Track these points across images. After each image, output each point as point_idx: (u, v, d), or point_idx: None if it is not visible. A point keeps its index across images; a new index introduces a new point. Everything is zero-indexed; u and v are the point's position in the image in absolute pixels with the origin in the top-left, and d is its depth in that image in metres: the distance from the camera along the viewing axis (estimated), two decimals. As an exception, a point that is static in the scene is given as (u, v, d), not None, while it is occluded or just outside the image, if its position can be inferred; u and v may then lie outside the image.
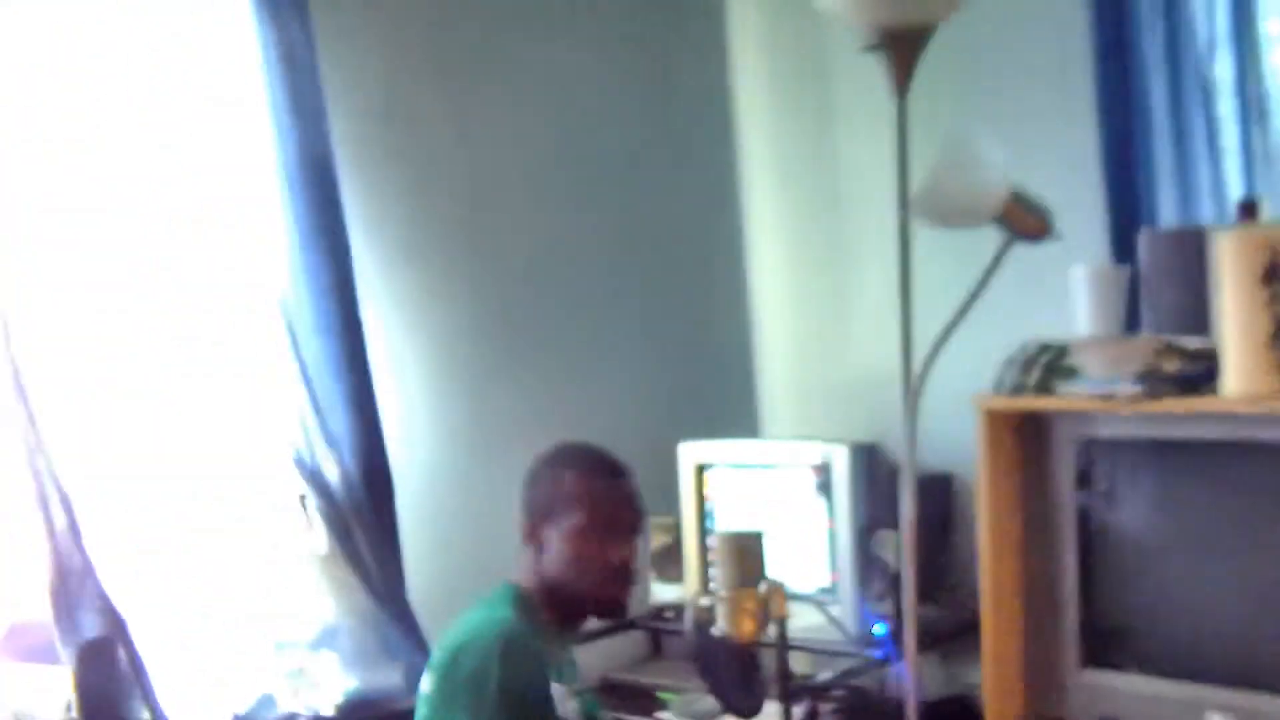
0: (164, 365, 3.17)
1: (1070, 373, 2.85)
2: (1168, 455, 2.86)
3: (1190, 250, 2.80)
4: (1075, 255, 3.03)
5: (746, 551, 2.61)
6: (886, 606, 3.46)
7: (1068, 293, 3.00)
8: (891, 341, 3.03)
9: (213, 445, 3.25)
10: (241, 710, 3.15)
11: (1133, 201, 3.27)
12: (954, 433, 3.26)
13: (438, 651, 2.73)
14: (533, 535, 2.79)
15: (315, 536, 3.32)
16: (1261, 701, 2.71)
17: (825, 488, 3.53)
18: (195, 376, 3.21)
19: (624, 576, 2.81)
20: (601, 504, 2.78)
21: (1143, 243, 2.96)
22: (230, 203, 3.21)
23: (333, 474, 3.31)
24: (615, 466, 2.84)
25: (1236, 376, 2.55)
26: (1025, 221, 2.66)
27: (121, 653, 2.92)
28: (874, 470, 3.53)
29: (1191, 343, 2.71)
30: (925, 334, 2.95)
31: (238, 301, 3.25)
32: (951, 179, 2.60)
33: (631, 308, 4.06)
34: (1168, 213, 3.24)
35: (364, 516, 3.34)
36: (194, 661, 3.17)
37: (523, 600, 2.76)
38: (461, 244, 3.71)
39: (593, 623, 2.95)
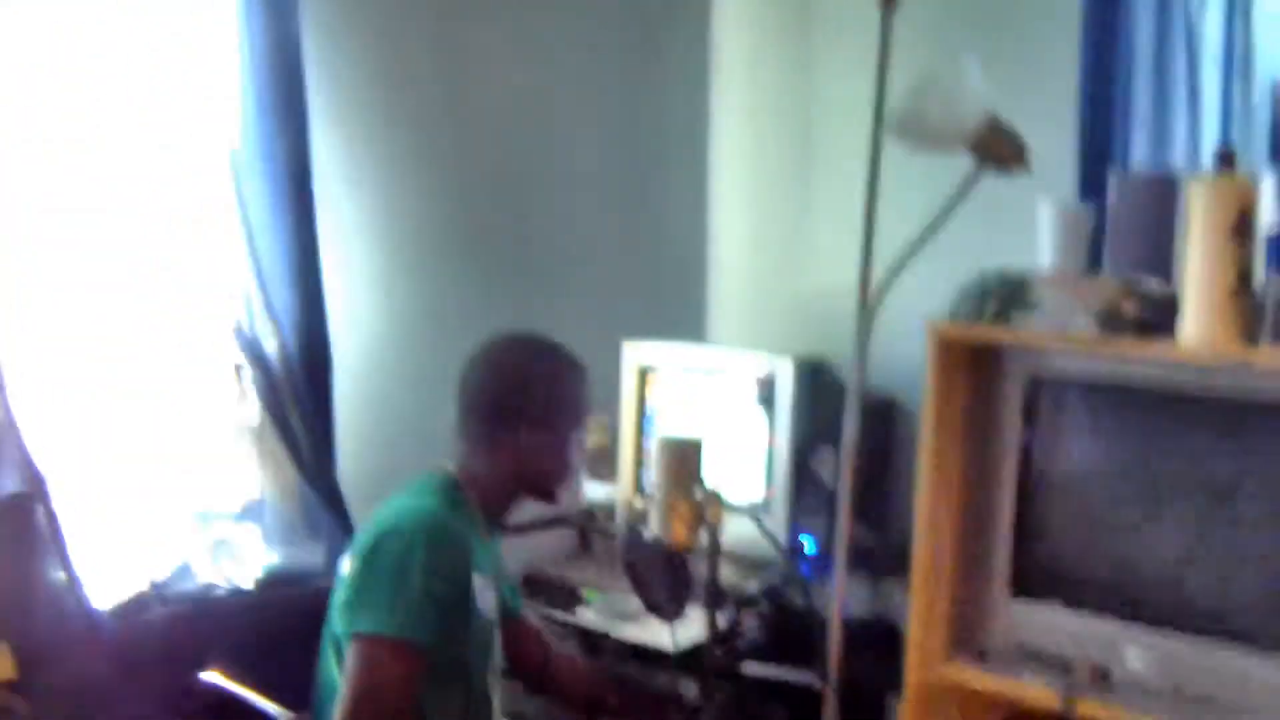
0: (103, 223, 3.10)
1: (1028, 306, 2.82)
2: (1117, 398, 2.83)
3: (1160, 196, 2.78)
4: (1041, 190, 3.00)
5: (685, 458, 2.60)
6: (819, 524, 3.45)
7: (1031, 228, 2.97)
8: (848, 259, 3.00)
9: (149, 308, 3.18)
10: (159, 578, 3.10)
11: (1105, 143, 3.23)
12: (903, 357, 3.24)
13: (361, 536, 2.70)
14: (494, 427, 2.77)
15: (248, 408, 3.26)
16: (1181, 643, 2.73)
17: (768, 400, 3.50)
18: (135, 237, 3.13)
19: (575, 467, 2.86)
20: (579, 400, 2.82)
21: (1113, 184, 2.92)
22: (184, 55, 3.12)
23: (271, 346, 3.26)
24: (580, 361, 2.86)
25: (1195, 325, 2.52)
26: (999, 150, 2.62)
27: (40, 511, 2.86)
28: (818, 387, 3.50)
29: (1153, 287, 2.68)
30: (884, 256, 2.92)
31: (186, 163, 3.16)
32: (932, 99, 2.55)
33: (588, 203, 4.01)
34: (1139, 158, 3.21)
35: (299, 392, 3.30)
36: (114, 526, 3.12)
37: (453, 488, 2.75)
38: (421, 127, 3.64)
39: (521, 515, 2.94)
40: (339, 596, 2.67)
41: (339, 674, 2.58)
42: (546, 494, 2.86)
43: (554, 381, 2.80)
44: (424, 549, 2.59)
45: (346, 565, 2.69)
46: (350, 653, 2.55)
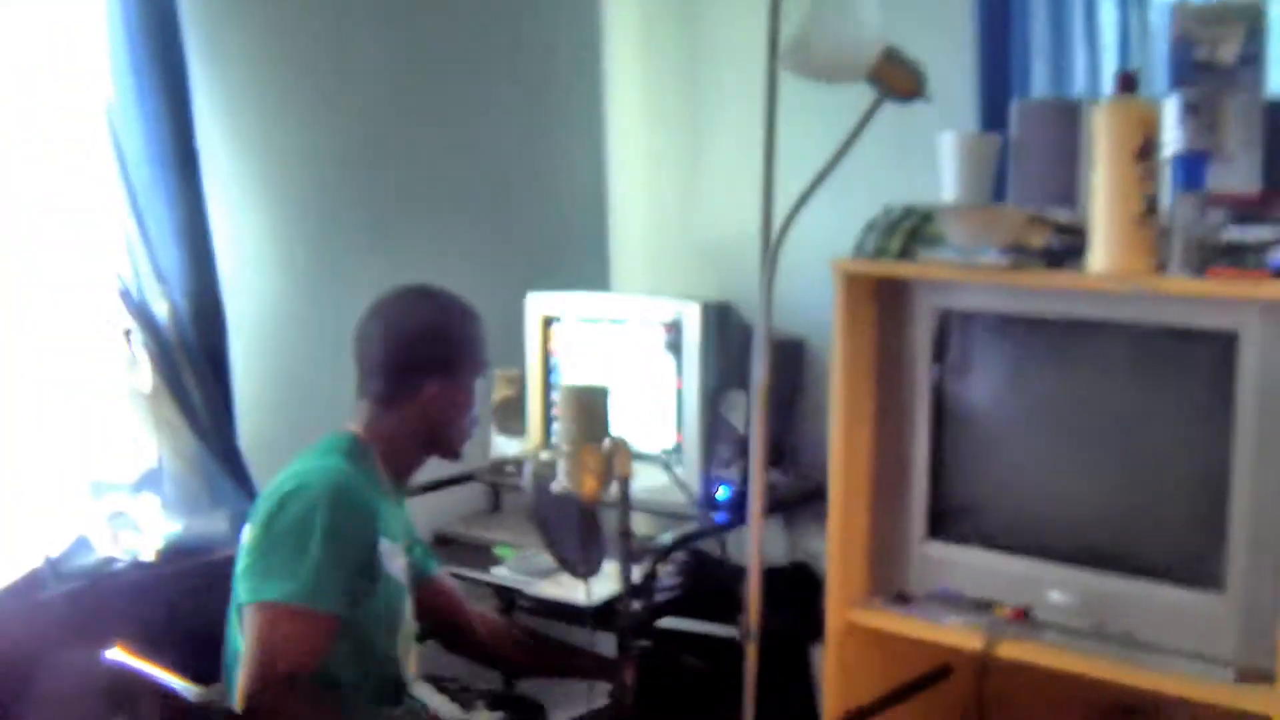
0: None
1: (934, 240, 2.78)
2: (1027, 330, 2.80)
3: (1063, 122, 2.75)
4: (942, 124, 2.97)
5: (591, 406, 2.53)
6: (732, 470, 3.41)
7: (933, 161, 2.94)
8: (749, 200, 2.94)
9: (30, 272, 3.06)
10: (55, 553, 2.99)
11: (1004, 72, 3.21)
12: (810, 297, 3.21)
13: (262, 500, 2.63)
14: (396, 382, 2.72)
15: (140, 373, 3.16)
16: (1100, 580, 2.70)
17: (675, 346, 3.45)
18: (13, 198, 3.00)
19: (477, 418, 2.83)
20: (478, 348, 2.79)
21: (1015, 112, 2.89)
22: (54, 9, 2.99)
23: (161, 309, 3.15)
24: (474, 309, 2.81)
25: (1104, 253, 2.49)
26: (898, 80, 2.56)
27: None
28: (726, 331, 3.46)
29: (1061, 216, 2.65)
30: (785, 195, 2.86)
31: (61, 120, 3.03)
32: (825, 30, 2.48)
33: (484, 153, 3.92)
34: (1040, 87, 3.17)
35: (193, 354, 3.20)
36: (5, 500, 3.01)
37: (358, 450, 2.69)
38: (310, 73, 3.53)
39: (429, 475, 2.88)
40: (240, 564, 2.60)
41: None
42: (451, 449, 2.81)
43: (451, 330, 2.76)
44: (327, 512, 2.53)
45: (248, 531, 2.61)
46: (251, 621, 2.49)
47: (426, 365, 2.72)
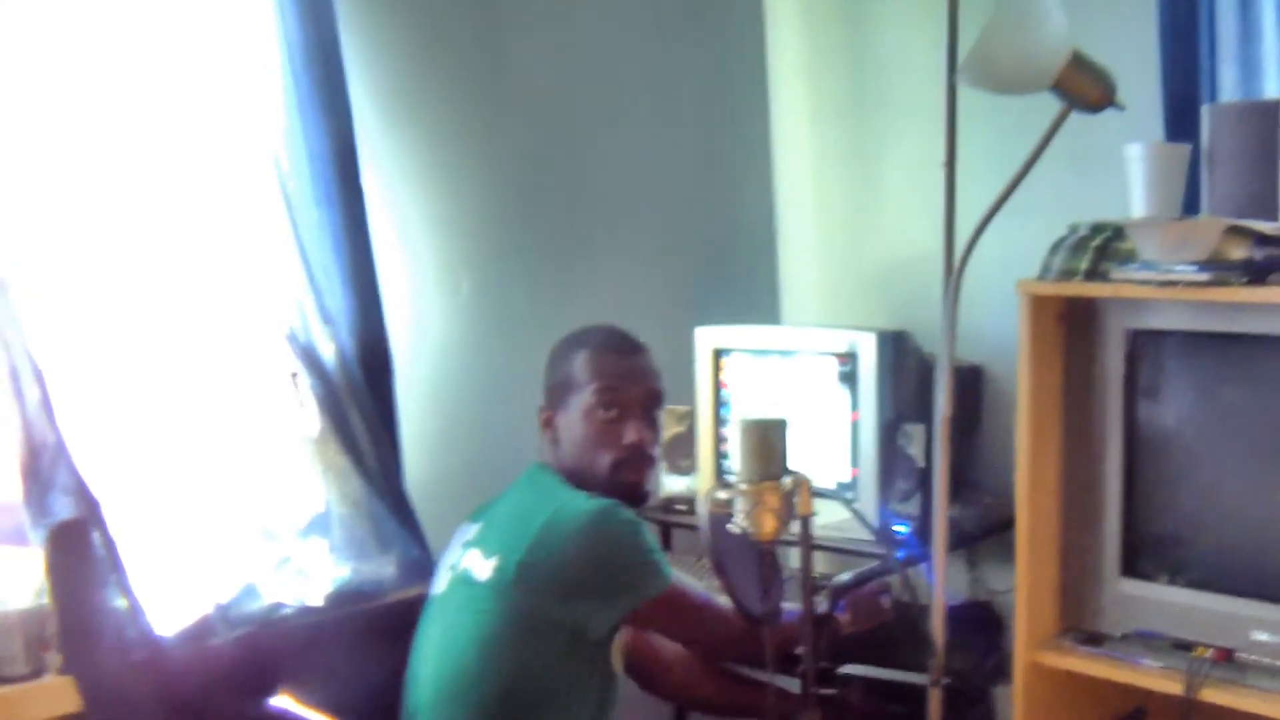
0: (147, 231, 2.96)
1: (1125, 257, 2.64)
2: (1227, 350, 2.65)
3: (1260, 126, 2.62)
4: (1126, 135, 2.84)
5: (768, 441, 2.40)
6: (910, 505, 3.28)
7: (1116, 176, 2.81)
8: (923, 223, 2.86)
9: (198, 318, 3.05)
10: (224, 600, 2.97)
11: (1191, 77, 3.05)
12: (986, 321, 3.13)
13: (501, 533, 2.67)
14: (548, 420, 2.81)
15: (307, 417, 3.13)
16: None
17: (850, 377, 3.33)
18: (181, 244, 3.00)
19: (638, 458, 2.80)
20: (607, 381, 2.78)
21: (1207, 117, 2.75)
22: (221, 55, 2.98)
23: (328, 352, 3.11)
24: (625, 343, 2.84)
25: (1313, 266, 2.34)
26: (1085, 88, 2.43)
27: (95, 536, 2.74)
28: (902, 360, 3.34)
29: (1262, 226, 2.49)
30: (961, 216, 2.75)
31: (228, 165, 3.02)
32: (1009, 36, 2.36)
33: (651, 186, 3.86)
34: (1229, 90, 3.02)
35: (360, 398, 3.16)
36: (175, 548, 2.99)
37: (557, 476, 2.70)
38: (477, 110, 3.49)
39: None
40: (485, 601, 2.63)
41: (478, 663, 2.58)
42: (624, 490, 2.79)
43: (552, 359, 2.86)
44: (622, 514, 2.65)
45: (485, 568, 2.66)
46: (655, 613, 2.68)
47: (557, 396, 2.82)
